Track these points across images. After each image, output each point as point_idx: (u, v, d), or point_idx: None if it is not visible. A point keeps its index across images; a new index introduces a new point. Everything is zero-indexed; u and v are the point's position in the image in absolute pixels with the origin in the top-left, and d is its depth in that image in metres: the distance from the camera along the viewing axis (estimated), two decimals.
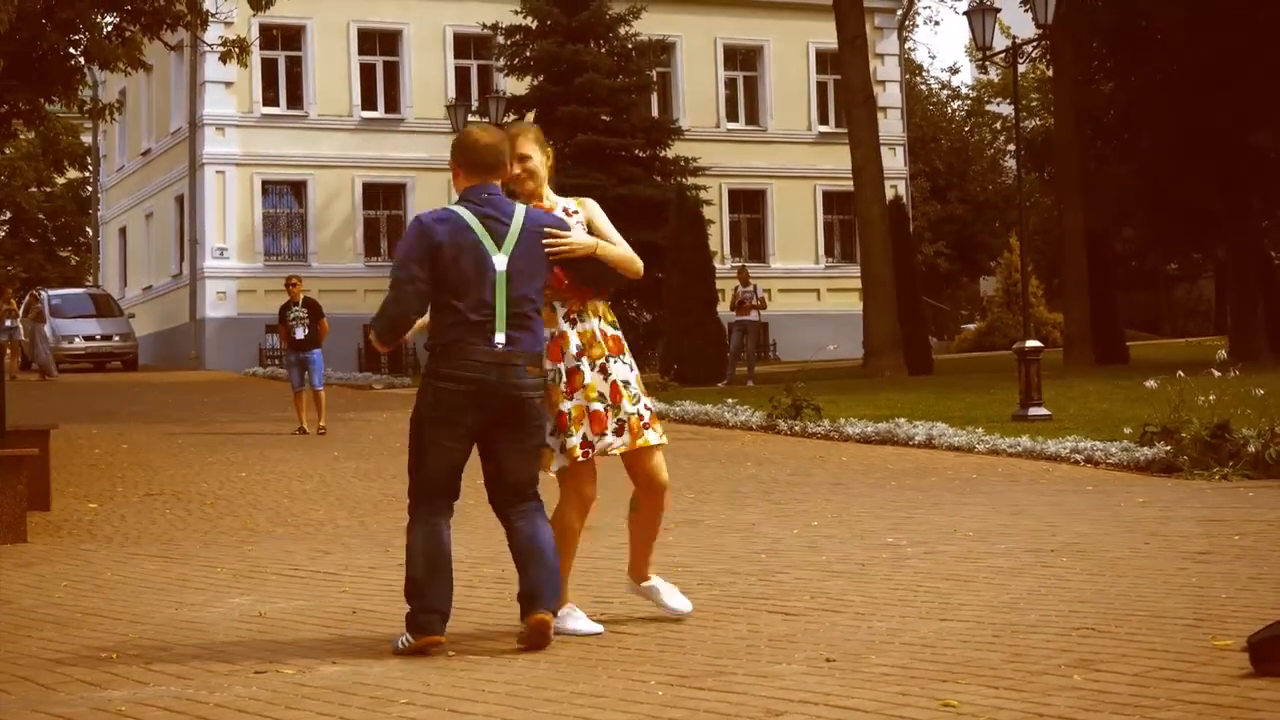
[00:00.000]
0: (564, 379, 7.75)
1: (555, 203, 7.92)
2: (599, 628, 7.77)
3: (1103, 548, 10.35)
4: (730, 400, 25.41)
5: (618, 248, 7.85)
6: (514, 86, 44.66)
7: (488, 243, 7.51)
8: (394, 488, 16.10)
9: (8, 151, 58.13)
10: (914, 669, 6.59)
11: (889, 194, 39.13)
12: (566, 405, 7.75)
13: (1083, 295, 36.54)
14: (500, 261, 7.50)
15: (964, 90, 69.40)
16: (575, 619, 7.78)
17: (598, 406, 7.77)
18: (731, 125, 51.17)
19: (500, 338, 7.48)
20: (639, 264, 7.94)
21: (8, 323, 41.93)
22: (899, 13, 54.59)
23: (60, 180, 65.03)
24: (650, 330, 42.60)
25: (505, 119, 40.79)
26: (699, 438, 22.21)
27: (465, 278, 7.46)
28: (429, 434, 7.53)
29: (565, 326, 7.80)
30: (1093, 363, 35.16)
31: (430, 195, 47.27)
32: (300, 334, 24.09)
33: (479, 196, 7.61)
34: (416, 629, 7.41)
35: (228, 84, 45.36)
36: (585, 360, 7.78)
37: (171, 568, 11.08)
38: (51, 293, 48.14)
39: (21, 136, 46.16)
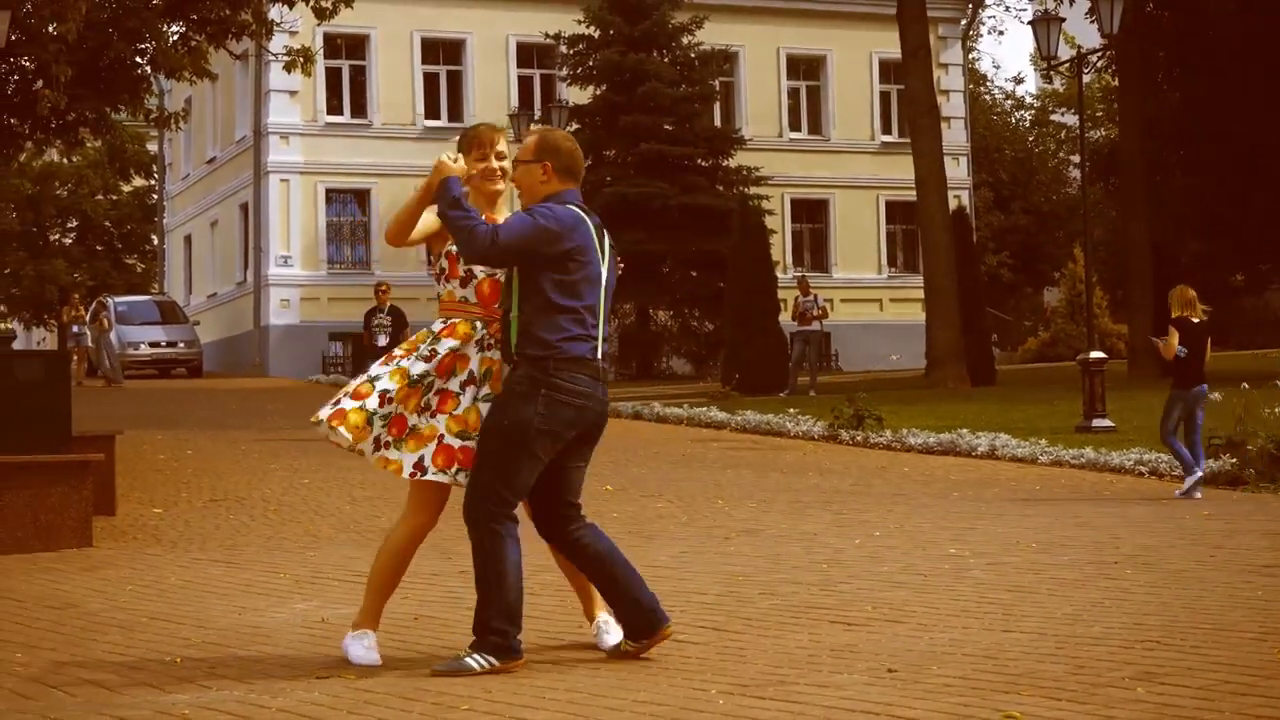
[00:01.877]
0: (435, 394, 7.33)
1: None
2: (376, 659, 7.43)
3: (1167, 560, 10.29)
4: (792, 410, 25.38)
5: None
6: (577, 96, 44.74)
7: (600, 251, 7.34)
8: (455, 495, 16.12)
9: (75, 160, 58.59)
10: (976, 680, 6.56)
11: (952, 204, 38.96)
12: (414, 420, 7.34)
13: (1147, 306, 36.27)
14: (605, 272, 7.33)
15: (1028, 100, 69.10)
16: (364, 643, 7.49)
17: (452, 442, 7.32)
18: (794, 135, 51.10)
19: (601, 350, 7.27)
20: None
21: (75, 329, 42.24)
22: (963, 22, 54.43)
23: (126, 188, 65.39)
24: (712, 340, 42.62)
25: (568, 128, 40.90)
26: (760, 447, 22.19)
27: (590, 283, 7.22)
28: (534, 445, 7.14)
29: (473, 350, 7.37)
30: (1158, 374, 34.80)
31: None
32: (382, 341, 24.25)
33: (579, 202, 7.40)
34: (506, 653, 7.12)
35: (292, 93, 45.58)
36: (471, 390, 7.36)
37: (235, 573, 11.13)
38: (117, 300, 48.44)
39: (89, 145, 46.46)
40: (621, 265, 7.64)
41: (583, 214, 7.31)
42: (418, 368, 7.31)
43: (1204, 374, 15.75)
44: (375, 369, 7.39)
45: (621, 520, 13.49)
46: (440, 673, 7.06)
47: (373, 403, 7.24)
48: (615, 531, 12.72)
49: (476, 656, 7.10)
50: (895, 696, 6.31)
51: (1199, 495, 15.22)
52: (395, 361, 7.38)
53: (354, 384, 7.37)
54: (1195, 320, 15.79)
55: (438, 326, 7.44)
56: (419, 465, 7.31)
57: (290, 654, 7.76)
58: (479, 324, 7.38)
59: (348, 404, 7.25)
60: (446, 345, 7.33)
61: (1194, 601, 8.52)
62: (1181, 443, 15.56)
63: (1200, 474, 15.45)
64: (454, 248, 7.35)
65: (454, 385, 7.33)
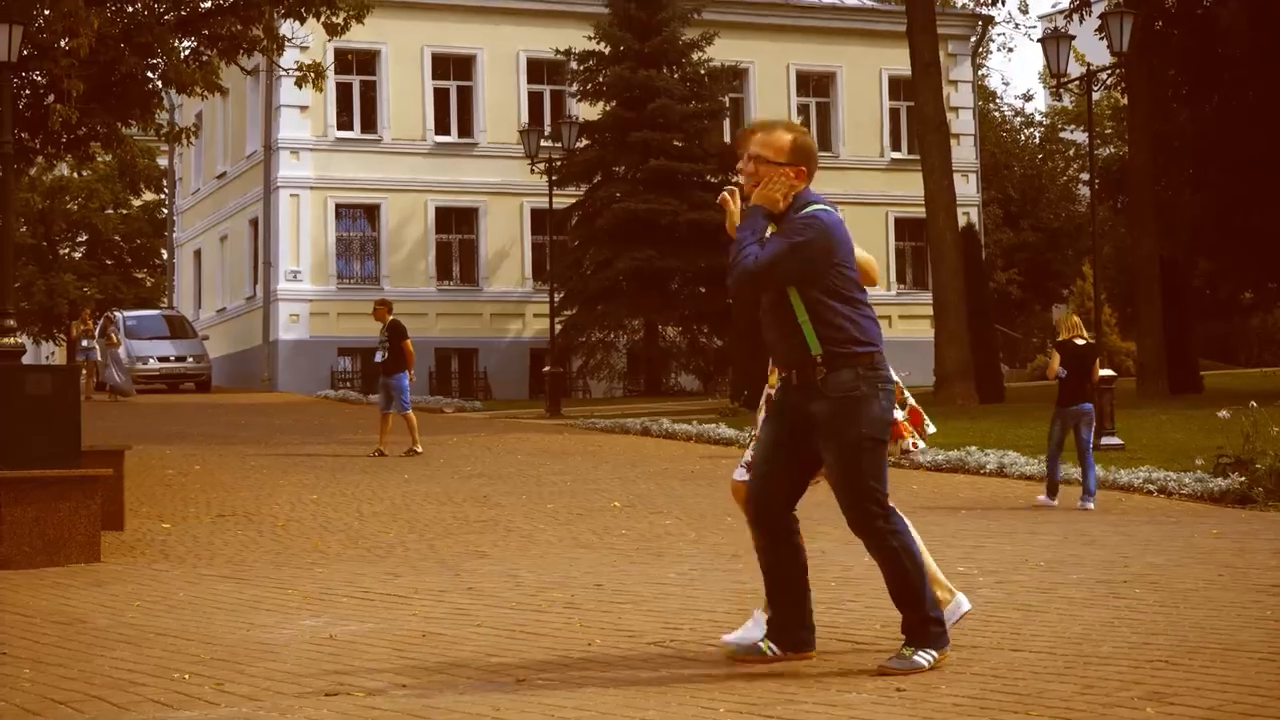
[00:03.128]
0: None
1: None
2: None
3: (1176, 579, 10.27)
4: None
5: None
6: (587, 112, 44.79)
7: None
8: (464, 511, 16.14)
9: (85, 174, 58.70)
10: (985, 699, 6.55)
11: (961, 221, 39.00)
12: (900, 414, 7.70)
13: (1156, 324, 36.27)
14: None
15: (1037, 117, 69.12)
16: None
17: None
18: None
19: None
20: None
21: (84, 343, 42.31)
22: (973, 39, 54.45)
23: (136, 202, 65.52)
24: (720, 356, 42.62)
25: (577, 144, 40.96)
26: None
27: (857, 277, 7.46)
28: (886, 436, 7.39)
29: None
30: (1166, 392, 34.89)
31: (503, 219, 47.51)
32: (378, 358, 24.35)
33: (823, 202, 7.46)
34: (940, 642, 7.26)
35: (303, 108, 45.68)
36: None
37: (243, 589, 11.13)
38: (127, 314, 48.53)
39: (99, 159, 46.57)
40: None
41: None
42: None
43: (1087, 393, 16.91)
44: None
45: (630, 537, 13.48)
46: (890, 670, 7.12)
47: None
48: (624, 549, 12.74)
49: (923, 653, 7.18)
50: (904, 715, 6.30)
51: (1091, 506, 16.21)
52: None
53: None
54: (1079, 343, 16.82)
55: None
56: None
57: (298, 670, 7.75)
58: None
59: None
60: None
61: (1203, 621, 8.50)
62: (1076, 461, 16.87)
63: (1090, 490, 16.46)
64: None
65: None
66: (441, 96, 47.86)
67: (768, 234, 7.31)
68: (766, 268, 7.19)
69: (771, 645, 7.42)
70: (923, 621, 7.24)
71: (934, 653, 7.18)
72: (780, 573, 7.57)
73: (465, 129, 48.03)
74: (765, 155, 7.39)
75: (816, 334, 7.25)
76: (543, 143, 40.96)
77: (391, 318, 24.57)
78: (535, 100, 48.61)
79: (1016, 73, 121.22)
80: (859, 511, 7.34)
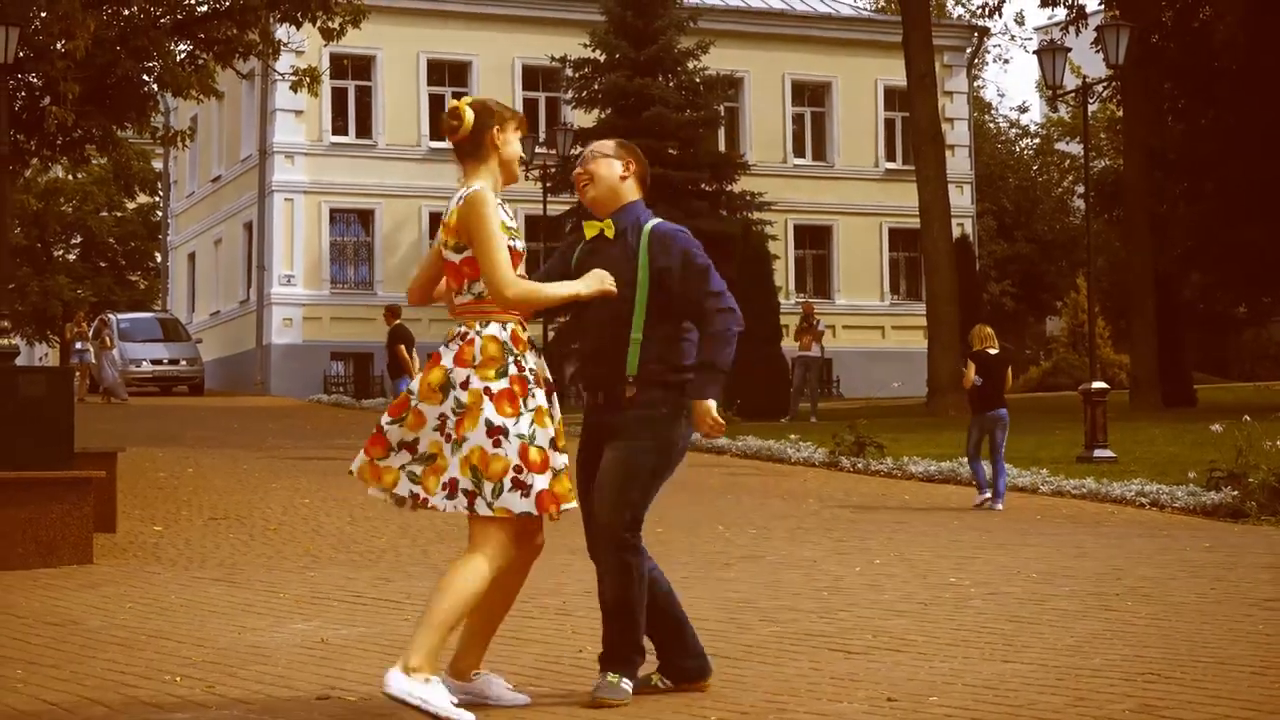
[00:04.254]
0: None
1: None
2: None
3: (1168, 592, 10.29)
4: (793, 436, 25.38)
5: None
6: (581, 119, 44.79)
7: None
8: (456, 517, 16.10)
9: (80, 176, 58.69)
10: (976, 711, 6.56)
11: (956, 232, 39.07)
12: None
13: (1150, 337, 36.30)
14: None
15: (1033, 129, 69.21)
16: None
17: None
18: (798, 161, 51.17)
19: None
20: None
21: (77, 345, 42.28)
22: (968, 50, 54.52)
23: (131, 205, 65.51)
24: None
25: (573, 151, 40.96)
26: (761, 473, 22.18)
27: None
28: (672, 467, 7.13)
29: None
30: (1159, 405, 34.91)
31: None
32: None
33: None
34: (635, 673, 6.96)
35: (298, 112, 45.70)
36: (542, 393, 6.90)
37: (235, 592, 11.13)
38: (120, 316, 48.48)
39: (94, 161, 46.57)
40: None
41: None
42: (543, 398, 6.74)
43: (1001, 400, 17.71)
44: (514, 425, 6.60)
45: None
46: (605, 701, 6.79)
47: (560, 461, 6.67)
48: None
49: (627, 680, 6.91)
50: None
51: (1000, 507, 17.26)
52: (523, 404, 6.65)
53: (503, 452, 6.58)
54: (992, 352, 17.70)
55: (502, 334, 6.72)
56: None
57: (290, 674, 7.76)
58: (514, 324, 6.77)
59: (540, 483, 6.60)
60: (532, 361, 6.76)
61: (1195, 634, 8.52)
62: (985, 462, 17.73)
63: (999, 493, 17.45)
64: (515, 243, 6.75)
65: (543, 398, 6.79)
66: (437, 102, 47.83)
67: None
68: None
69: (663, 678, 7.15)
70: (631, 646, 6.93)
71: (631, 682, 6.88)
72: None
73: None
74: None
75: (642, 353, 6.99)
76: (537, 150, 41.01)
77: (396, 323, 24.70)
78: (530, 107, 48.61)
79: (1012, 84, 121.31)
80: (613, 523, 6.95)
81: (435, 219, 47.43)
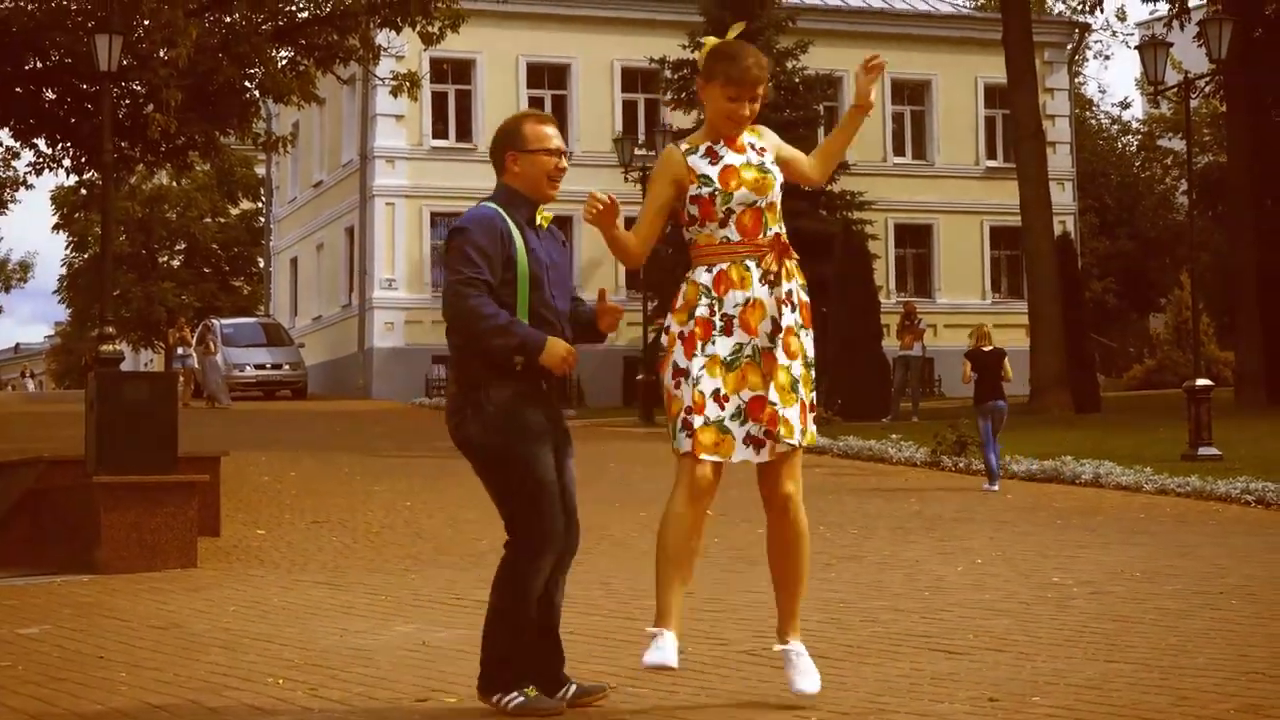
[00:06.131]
0: (760, 355, 6.76)
1: None
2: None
3: (1273, 591, 10.17)
4: (894, 436, 25.27)
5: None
6: (680, 120, 44.74)
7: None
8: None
9: (184, 182, 59.30)
10: (1079, 711, 6.50)
11: (1057, 230, 38.74)
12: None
13: (1255, 333, 35.90)
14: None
15: (1134, 125, 68.58)
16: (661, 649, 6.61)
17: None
18: (898, 160, 50.95)
19: None
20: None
21: (180, 351, 42.68)
22: (1069, 47, 54.11)
23: (234, 211, 66.17)
24: (815, 365, 42.45)
25: None
26: (863, 473, 22.11)
27: None
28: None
29: (763, 293, 6.77)
30: (1265, 402, 34.51)
31: (595, 228, 47.51)
32: None
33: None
34: (522, 683, 6.74)
35: (398, 117, 45.95)
36: (780, 338, 6.77)
37: (337, 595, 11.19)
38: (224, 322, 48.92)
39: (197, 168, 47.03)
40: None
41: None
42: (725, 346, 6.67)
43: (999, 391, 19.45)
44: (687, 364, 6.66)
45: (722, 546, 13.47)
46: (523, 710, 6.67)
47: (713, 411, 6.62)
48: (715, 558, 12.70)
49: (520, 692, 6.74)
50: None
51: (996, 488, 19.20)
52: (696, 350, 6.66)
53: (680, 394, 6.65)
54: (986, 349, 19.57)
55: (705, 278, 6.73)
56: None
57: (391, 677, 7.79)
58: (750, 263, 6.72)
59: (696, 420, 6.59)
60: (733, 302, 6.68)
61: None
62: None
63: (995, 477, 19.41)
64: (703, 190, 6.80)
65: (765, 340, 6.71)
66: (536, 105, 47.93)
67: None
68: None
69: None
70: (500, 662, 6.70)
71: (520, 694, 6.64)
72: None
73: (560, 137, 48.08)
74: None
75: None
76: (636, 151, 41.04)
77: None
78: (629, 109, 48.66)
79: (1114, 80, 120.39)
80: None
81: None
